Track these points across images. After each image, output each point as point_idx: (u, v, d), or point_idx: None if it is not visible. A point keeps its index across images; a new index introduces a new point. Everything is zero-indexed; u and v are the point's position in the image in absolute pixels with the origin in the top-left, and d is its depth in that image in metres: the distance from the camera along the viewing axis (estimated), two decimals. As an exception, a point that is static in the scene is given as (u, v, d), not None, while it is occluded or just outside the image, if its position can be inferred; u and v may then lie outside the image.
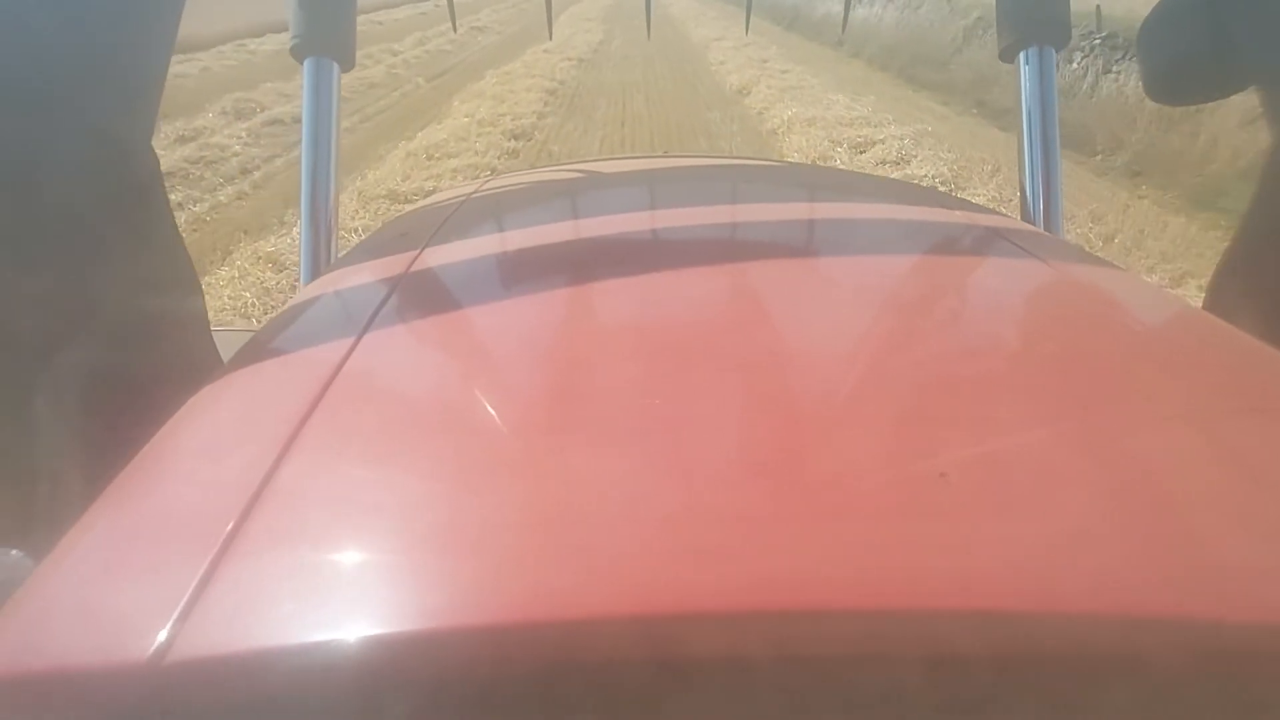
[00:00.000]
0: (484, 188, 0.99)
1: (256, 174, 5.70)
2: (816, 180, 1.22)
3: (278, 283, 3.73)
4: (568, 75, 9.33)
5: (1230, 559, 0.31)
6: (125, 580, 0.31)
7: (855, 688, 0.27)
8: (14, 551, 0.55)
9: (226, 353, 0.58)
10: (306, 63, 0.92)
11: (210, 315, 0.86)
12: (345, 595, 0.30)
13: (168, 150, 5.59)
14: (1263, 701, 0.27)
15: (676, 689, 0.27)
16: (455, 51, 12.19)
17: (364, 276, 0.67)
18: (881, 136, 5.91)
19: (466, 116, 7.10)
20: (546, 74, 9.17)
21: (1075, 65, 5.84)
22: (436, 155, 5.93)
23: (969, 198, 3.69)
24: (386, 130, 6.95)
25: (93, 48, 0.67)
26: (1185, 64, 0.89)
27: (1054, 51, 0.93)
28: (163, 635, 0.27)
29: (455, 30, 13.09)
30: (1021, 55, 0.93)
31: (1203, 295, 0.95)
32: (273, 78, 8.11)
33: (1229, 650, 0.28)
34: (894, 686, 0.27)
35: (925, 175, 4.96)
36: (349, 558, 0.32)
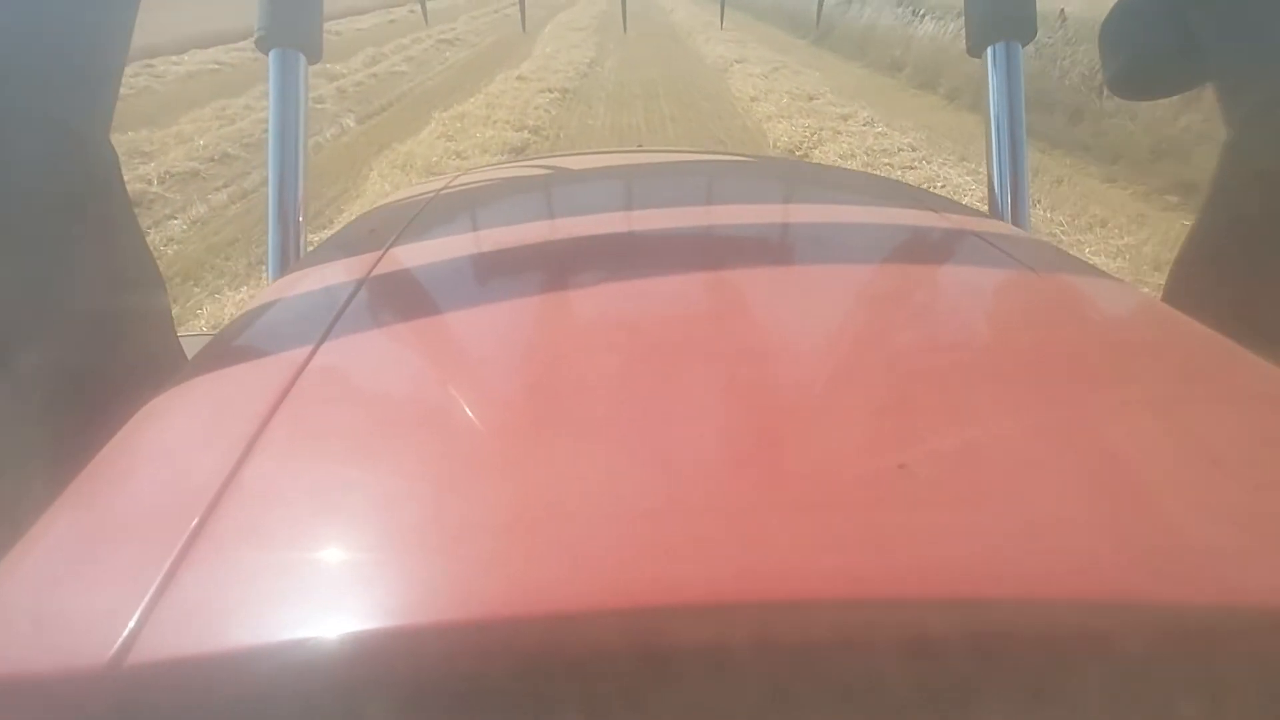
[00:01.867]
0: (454, 183, 0.96)
1: None
2: (788, 174, 1.17)
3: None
4: (543, 119, 6.89)
5: (1193, 541, 0.32)
6: (85, 581, 0.31)
7: (836, 677, 0.27)
8: None
9: (192, 352, 0.58)
10: (272, 55, 0.90)
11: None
12: (310, 595, 0.29)
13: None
14: (1228, 679, 0.28)
15: (659, 682, 0.27)
16: (410, 74, 9.79)
17: (331, 273, 0.65)
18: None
19: (382, 199, 4.68)
20: (514, 116, 6.73)
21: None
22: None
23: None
24: (249, 229, 4.53)
25: (49, 41, 0.65)
26: (1146, 60, 0.91)
27: (1020, 47, 0.94)
28: (123, 637, 0.27)
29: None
30: (989, 51, 0.94)
31: (1160, 288, 0.97)
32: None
33: (1194, 630, 0.28)
34: (874, 675, 0.27)
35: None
36: (314, 556, 0.31)
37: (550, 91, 7.92)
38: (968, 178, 4.85)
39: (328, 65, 9.35)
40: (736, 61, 9.48)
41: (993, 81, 0.94)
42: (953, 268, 0.64)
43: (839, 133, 5.96)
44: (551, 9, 19.76)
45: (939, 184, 4.71)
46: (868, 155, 5.12)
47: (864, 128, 6.11)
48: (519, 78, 8.60)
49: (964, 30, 0.99)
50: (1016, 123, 0.93)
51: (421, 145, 5.87)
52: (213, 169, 5.56)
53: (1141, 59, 0.94)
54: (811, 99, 7.22)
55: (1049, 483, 0.35)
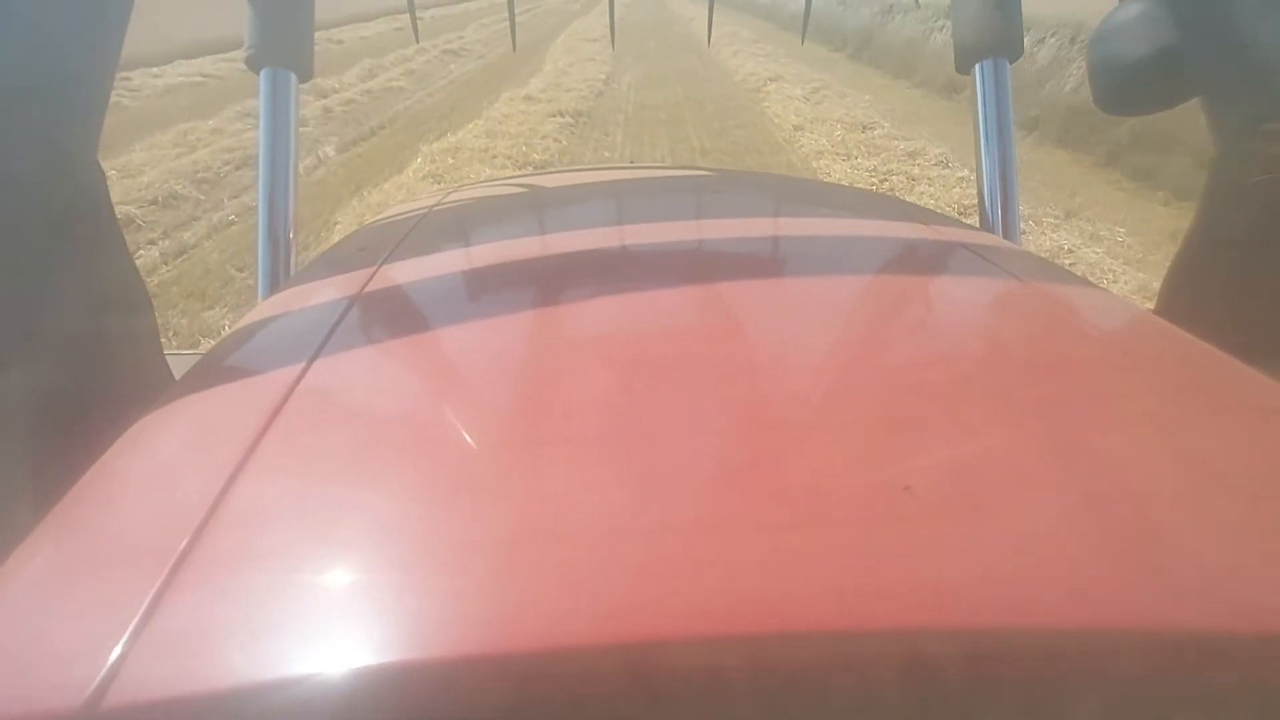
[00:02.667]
0: (447, 199, 0.96)
1: None
2: (781, 190, 1.12)
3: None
4: (551, 151, 5.90)
5: (1192, 559, 0.31)
6: (64, 615, 0.30)
7: (831, 702, 0.27)
8: None
9: (180, 371, 0.57)
10: (263, 74, 0.90)
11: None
12: (297, 628, 0.28)
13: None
14: (1227, 700, 0.28)
15: (654, 709, 0.27)
16: (409, 91, 8.85)
17: (321, 291, 0.63)
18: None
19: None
20: (517, 149, 5.74)
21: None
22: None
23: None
24: (178, 304, 3.56)
25: (38, 58, 0.65)
26: (1134, 75, 0.90)
27: (1008, 63, 0.95)
28: (100, 676, 0.26)
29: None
30: (977, 67, 0.95)
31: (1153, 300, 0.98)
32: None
33: (1193, 650, 0.28)
34: (870, 700, 0.27)
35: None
36: (301, 588, 0.30)
37: (561, 116, 6.94)
38: (1124, 266, 3.74)
39: (319, 81, 8.43)
40: (770, 80, 8.46)
41: (981, 97, 0.95)
42: (947, 283, 0.63)
43: (913, 178, 4.92)
44: (566, 15, 18.84)
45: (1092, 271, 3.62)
46: (961, 213, 3.98)
47: (940, 170, 5.07)
48: (526, 98, 7.61)
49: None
50: (1006, 137, 0.94)
51: (402, 189, 4.87)
52: (151, 215, 4.60)
53: (1129, 74, 0.90)
54: (866, 129, 6.21)
55: (1046, 502, 0.34)
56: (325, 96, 7.97)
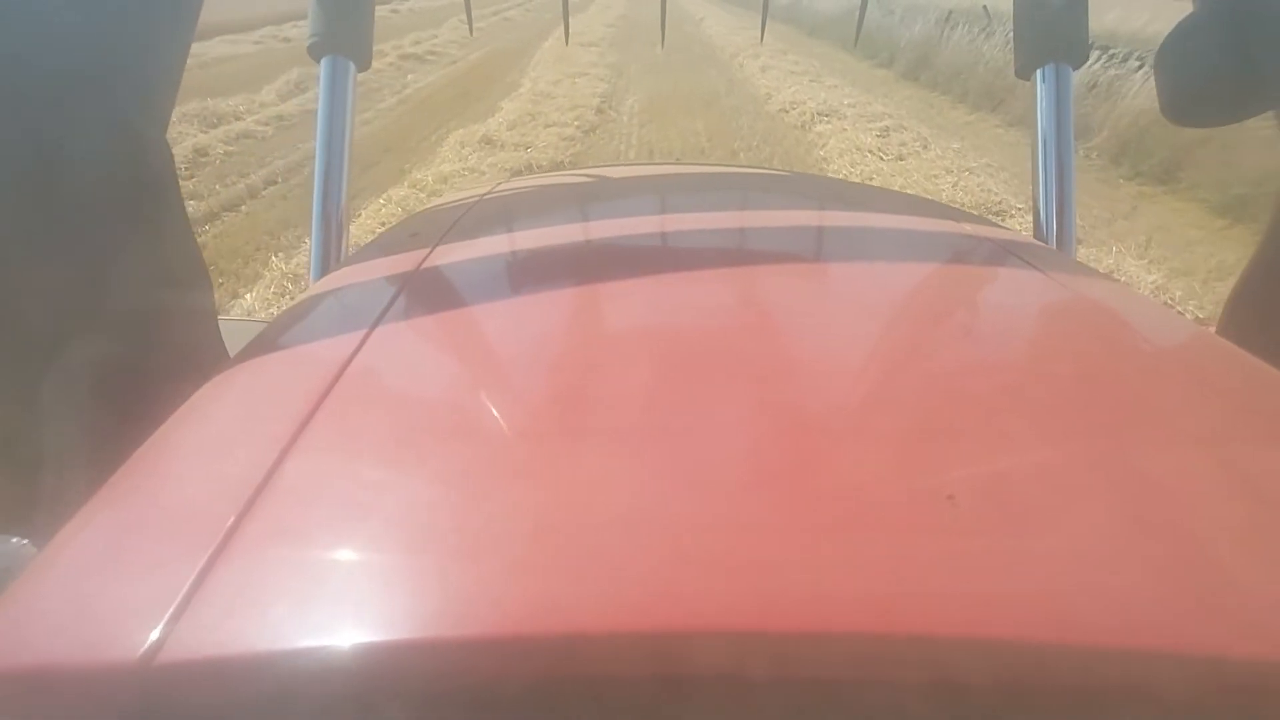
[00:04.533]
0: (497, 189, 0.97)
1: None
2: (828, 192, 1.13)
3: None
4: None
5: (1242, 590, 0.30)
6: (120, 576, 0.31)
7: (858, 708, 0.27)
8: (15, 539, 0.54)
9: (232, 341, 0.62)
10: (323, 62, 0.92)
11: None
12: (341, 599, 0.29)
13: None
14: None
15: (676, 703, 0.27)
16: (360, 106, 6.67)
17: (374, 274, 0.64)
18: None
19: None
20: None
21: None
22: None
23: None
24: None
25: (113, 40, 0.66)
26: (1205, 84, 0.84)
27: (1070, 70, 0.92)
28: (155, 635, 0.27)
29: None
30: (1038, 73, 0.92)
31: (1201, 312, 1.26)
32: None
33: (1238, 681, 0.27)
34: (897, 709, 0.27)
35: None
36: (347, 560, 0.31)
37: (533, 170, 4.75)
38: None
39: (211, 101, 6.22)
40: (822, 115, 6.24)
41: (1041, 104, 0.91)
42: (999, 292, 0.62)
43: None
44: (557, 13, 16.57)
45: None
46: None
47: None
48: (484, 140, 5.39)
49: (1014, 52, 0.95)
50: (1065, 146, 0.91)
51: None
52: None
53: (1199, 83, 0.84)
54: (999, 214, 4.03)
55: (1090, 520, 0.33)
56: (216, 127, 5.78)
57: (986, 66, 7.30)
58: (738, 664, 0.26)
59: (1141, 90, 5.01)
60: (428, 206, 1.04)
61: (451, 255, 0.64)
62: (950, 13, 9.06)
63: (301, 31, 0.95)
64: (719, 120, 6.46)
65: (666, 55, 10.25)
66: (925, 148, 5.37)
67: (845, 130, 5.76)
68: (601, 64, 9.18)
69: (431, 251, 0.62)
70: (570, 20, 1.82)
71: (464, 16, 15.29)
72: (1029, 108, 0.94)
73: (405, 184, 4.53)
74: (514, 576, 0.29)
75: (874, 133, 5.66)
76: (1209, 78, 0.82)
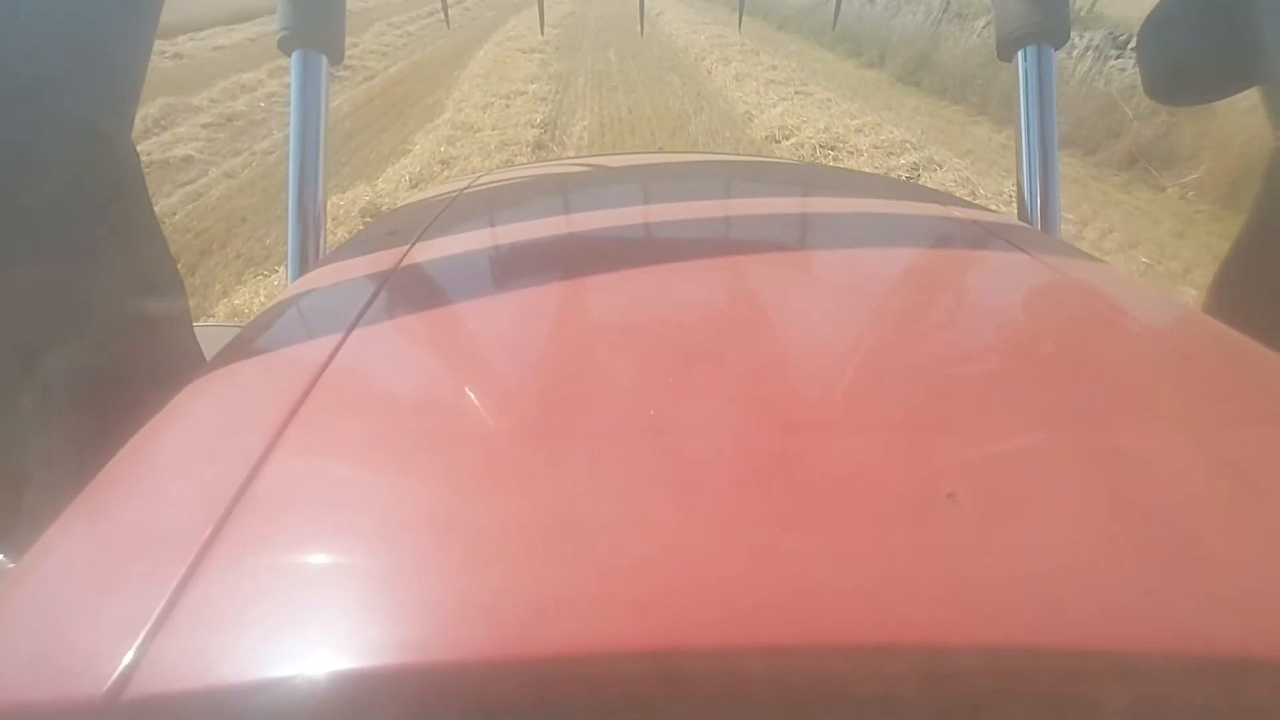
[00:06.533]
0: (477, 183, 0.94)
1: None
2: (813, 178, 1.09)
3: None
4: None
5: (1242, 585, 0.30)
6: (90, 600, 0.30)
7: (856, 704, 0.27)
8: None
9: (209, 347, 0.59)
10: (294, 55, 0.90)
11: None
12: (316, 625, 0.28)
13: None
14: None
15: (675, 701, 0.27)
16: (198, 162, 5.10)
17: (352, 273, 0.62)
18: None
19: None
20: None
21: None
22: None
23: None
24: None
25: (77, 43, 0.64)
26: (1186, 64, 0.86)
27: (1052, 50, 0.91)
28: (121, 667, 0.26)
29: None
30: (1020, 53, 0.91)
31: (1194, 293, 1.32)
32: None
33: (1234, 672, 0.27)
34: (895, 706, 0.27)
35: None
36: (323, 581, 0.30)
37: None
38: None
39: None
40: (825, 147, 4.84)
41: (1023, 85, 0.90)
42: (983, 275, 0.61)
43: None
44: (502, 9, 14.94)
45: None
46: None
47: None
48: (366, 212, 3.91)
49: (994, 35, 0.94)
50: (1048, 128, 0.90)
51: None
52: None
53: (1182, 62, 0.85)
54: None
55: (1085, 514, 0.33)
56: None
57: (978, 67, 6.01)
58: (736, 664, 0.26)
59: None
60: (407, 202, 1.01)
61: (431, 252, 0.62)
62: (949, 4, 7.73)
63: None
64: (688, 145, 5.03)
65: (621, 62, 8.78)
66: (973, 195, 3.99)
67: (863, 170, 4.36)
68: (544, 75, 7.76)
69: (410, 248, 0.62)
70: (513, 20, 1.18)
71: (395, 19, 13.83)
72: (1011, 90, 0.92)
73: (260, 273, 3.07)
74: (504, 588, 0.28)
75: (902, 170, 4.29)
76: (1190, 58, 0.82)
